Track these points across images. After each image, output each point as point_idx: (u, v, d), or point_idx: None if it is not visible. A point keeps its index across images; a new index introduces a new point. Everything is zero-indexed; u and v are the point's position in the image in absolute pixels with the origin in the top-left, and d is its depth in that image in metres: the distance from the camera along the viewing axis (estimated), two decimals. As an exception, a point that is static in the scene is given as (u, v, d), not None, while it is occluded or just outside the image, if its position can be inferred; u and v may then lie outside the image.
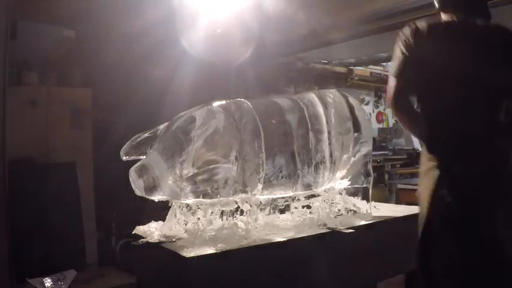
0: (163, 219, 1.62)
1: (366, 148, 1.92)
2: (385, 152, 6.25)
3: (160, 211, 1.62)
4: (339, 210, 1.86)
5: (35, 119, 3.66)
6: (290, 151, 1.63)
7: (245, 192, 1.53)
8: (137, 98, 3.76)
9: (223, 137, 1.47)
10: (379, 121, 7.81)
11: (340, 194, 1.92)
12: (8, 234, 2.32)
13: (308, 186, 1.74)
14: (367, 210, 1.90)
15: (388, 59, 5.53)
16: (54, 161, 3.67)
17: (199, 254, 1.33)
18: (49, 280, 2.61)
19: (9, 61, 2.39)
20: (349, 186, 1.94)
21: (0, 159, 2.29)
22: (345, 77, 5.91)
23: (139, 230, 1.63)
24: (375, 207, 1.98)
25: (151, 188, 1.44)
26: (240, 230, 1.50)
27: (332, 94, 1.91)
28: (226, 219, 1.53)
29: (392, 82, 1.54)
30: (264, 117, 1.61)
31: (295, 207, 1.78)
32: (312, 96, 1.84)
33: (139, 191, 1.45)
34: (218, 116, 1.49)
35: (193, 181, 1.43)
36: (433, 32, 1.53)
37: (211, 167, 1.44)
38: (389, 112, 8.05)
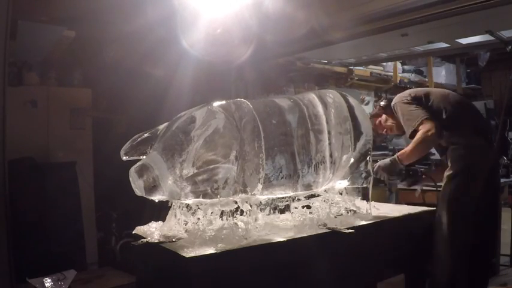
0: (163, 219, 1.62)
1: (366, 148, 1.92)
2: (385, 152, 6.23)
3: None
4: (339, 210, 1.86)
5: (35, 119, 3.67)
6: (290, 151, 1.63)
7: (245, 192, 1.53)
8: (137, 98, 3.76)
9: (223, 137, 1.47)
10: (379, 121, 7.79)
11: (340, 194, 1.92)
12: (8, 234, 2.31)
13: (308, 186, 1.73)
14: (367, 210, 1.90)
15: (388, 59, 5.55)
16: (54, 161, 3.67)
17: (199, 254, 1.33)
18: (49, 280, 2.61)
19: (9, 61, 2.38)
20: (349, 186, 1.94)
21: (0, 159, 2.29)
22: (345, 77, 5.90)
23: (139, 230, 1.63)
24: (374, 207, 1.98)
25: (152, 188, 1.44)
26: (240, 230, 1.49)
27: (332, 94, 1.91)
28: (226, 219, 1.53)
29: None
30: (264, 117, 1.60)
31: (295, 207, 1.78)
32: (312, 96, 1.84)
33: (139, 191, 1.45)
34: (218, 116, 1.49)
35: (193, 181, 1.43)
36: None
37: (211, 167, 1.44)
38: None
